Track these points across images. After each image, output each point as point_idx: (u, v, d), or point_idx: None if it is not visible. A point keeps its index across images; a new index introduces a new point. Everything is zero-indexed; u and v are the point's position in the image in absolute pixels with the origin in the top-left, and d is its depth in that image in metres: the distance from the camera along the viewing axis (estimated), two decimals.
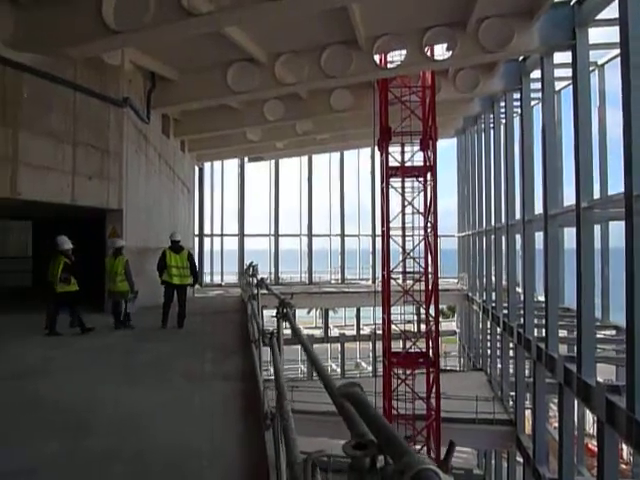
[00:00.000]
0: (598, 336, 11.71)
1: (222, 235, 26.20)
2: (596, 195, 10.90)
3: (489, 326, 19.52)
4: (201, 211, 24.55)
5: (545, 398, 13.94)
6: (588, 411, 12.40)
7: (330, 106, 14.33)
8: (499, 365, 18.59)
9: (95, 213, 11.03)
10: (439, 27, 10.48)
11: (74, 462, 3.55)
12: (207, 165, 24.91)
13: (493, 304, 18.28)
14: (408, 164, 15.94)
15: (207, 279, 25.46)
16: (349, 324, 30.00)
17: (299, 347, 24.82)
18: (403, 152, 16.54)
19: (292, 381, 20.12)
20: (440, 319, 16.28)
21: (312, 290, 24.46)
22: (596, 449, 10.74)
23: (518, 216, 15.39)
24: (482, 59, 11.74)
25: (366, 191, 28.20)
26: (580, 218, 10.01)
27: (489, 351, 20.32)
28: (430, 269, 15.47)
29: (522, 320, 14.34)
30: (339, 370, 27.42)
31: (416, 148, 15.75)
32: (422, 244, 15.73)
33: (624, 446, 13.98)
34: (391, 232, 15.81)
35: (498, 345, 18.75)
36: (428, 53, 11.06)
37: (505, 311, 16.81)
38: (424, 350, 15.50)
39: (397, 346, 16.30)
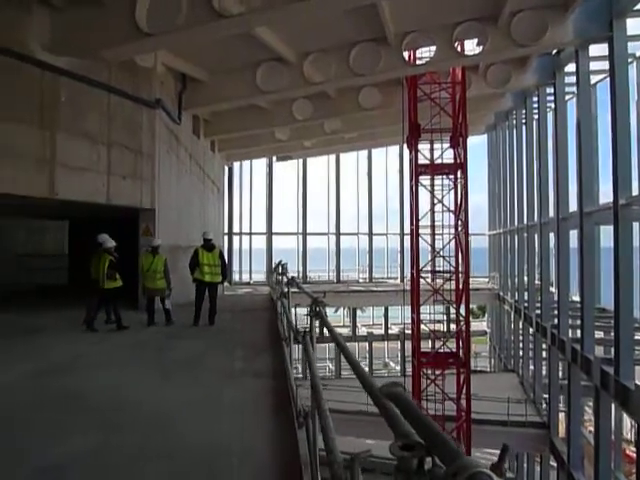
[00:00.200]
0: (637, 337, 11.34)
1: (250, 234, 26.46)
2: (634, 192, 10.54)
3: (521, 326, 19.16)
4: (230, 210, 24.86)
5: (580, 401, 13.58)
6: (626, 415, 12.01)
7: (358, 104, 14.27)
8: (531, 366, 18.20)
9: (128, 212, 11.28)
10: (469, 22, 10.31)
11: (105, 459, 3.56)
12: (236, 164, 25.20)
13: (525, 304, 17.93)
14: (438, 161, 15.72)
15: (236, 277, 25.77)
16: (377, 323, 29.86)
17: (326, 345, 24.86)
18: (432, 149, 16.33)
19: (320, 379, 20.11)
20: (470, 319, 15.99)
21: (340, 289, 24.43)
22: (635, 455, 10.39)
23: (552, 214, 15.04)
24: (514, 53, 11.46)
25: (394, 189, 28.02)
26: (618, 215, 9.73)
27: (521, 352, 19.92)
28: (461, 268, 15.24)
29: (556, 320, 14.04)
30: (367, 369, 27.26)
31: (446, 145, 15.53)
32: (452, 242, 15.50)
33: None
34: (420, 230, 15.64)
35: (530, 346, 18.35)
36: (458, 48, 10.88)
37: (538, 311, 16.47)
38: (454, 350, 15.29)
39: (426, 346, 16.12)
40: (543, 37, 10.07)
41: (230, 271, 23.67)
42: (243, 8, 7.13)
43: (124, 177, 10.43)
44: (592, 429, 12.35)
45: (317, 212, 27.96)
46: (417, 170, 15.32)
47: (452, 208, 15.63)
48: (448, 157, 15.58)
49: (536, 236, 16.71)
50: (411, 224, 15.79)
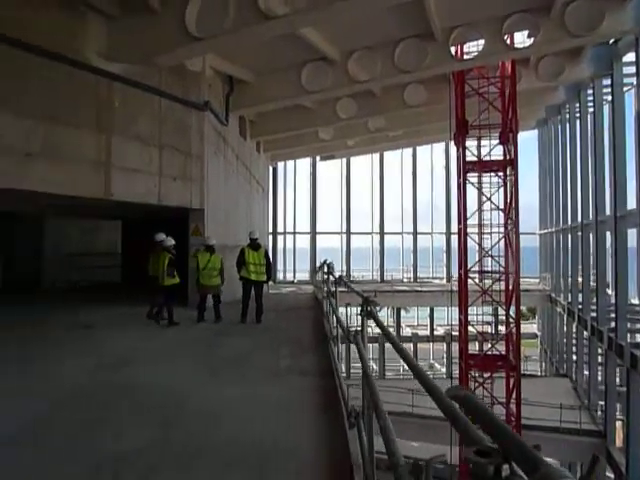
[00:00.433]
0: None
1: (294, 233, 26.68)
2: None
3: (575, 329, 18.39)
4: (274, 210, 25.17)
5: None
6: None
7: (404, 101, 14.08)
8: (586, 372, 17.43)
9: (179, 213, 11.60)
10: (519, 13, 9.96)
11: (153, 455, 3.63)
12: (280, 165, 25.48)
13: (580, 306, 17.20)
14: (486, 158, 15.29)
15: (280, 276, 26.05)
16: (422, 324, 29.39)
17: (370, 345, 24.70)
18: (480, 146, 15.91)
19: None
20: (520, 321, 15.48)
21: (384, 288, 24.21)
22: None
23: (608, 212, 14.33)
24: (568, 44, 10.96)
25: (439, 187, 27.48)
26: None
27: (574, 356, 19.09)
28: (510, 268, 14.77)
29: (613, 324, 13.36)
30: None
31: (494, 141, 15.08)
32: (502, 242, 15.04)
33: None
34: (468, 229, 15.26)
35: (585, 350, 17.57)
36: (508, 41, 10.53)
37: (593, 314, 15.76)
38: (503, 353, 14.84)
39: (473, 348, 15.73)
40: (600, 26, 9.60)
41: (275, 270, 23.98)
42: (288, 9, 7.19)
43: (174, 178, 10.74)
44: None
45: (361, 211, 27.86)
46: (465, 167, 14.97)
47: (501, 206, 15.18)
48: (496, 154, 15.15)
49: (591, 235, 15.99)
50: (459, 223, 15.44)
